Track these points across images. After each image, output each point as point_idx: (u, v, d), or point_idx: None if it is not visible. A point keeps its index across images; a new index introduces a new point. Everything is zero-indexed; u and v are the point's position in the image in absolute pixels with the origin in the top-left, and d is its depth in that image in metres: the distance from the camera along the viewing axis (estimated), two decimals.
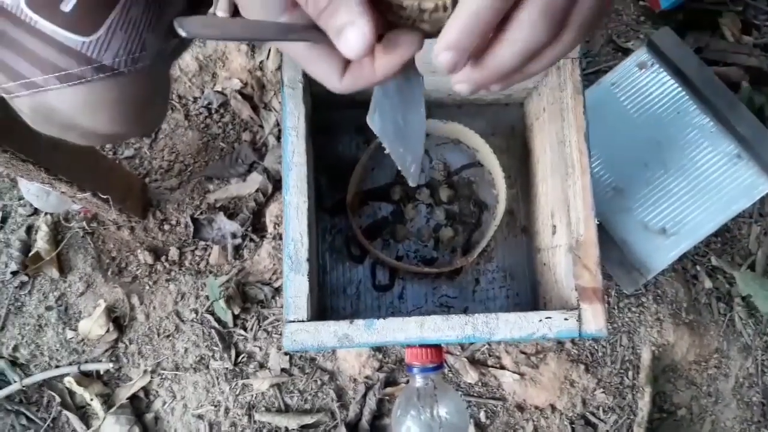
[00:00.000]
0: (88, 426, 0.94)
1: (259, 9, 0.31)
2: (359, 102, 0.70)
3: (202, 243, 0.97)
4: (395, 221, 0.71)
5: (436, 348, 0.63)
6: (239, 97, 1.00)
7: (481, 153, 0.71)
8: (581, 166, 0.58)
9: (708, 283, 0.99)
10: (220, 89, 1.01)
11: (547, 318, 0.55)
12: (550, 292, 0.64)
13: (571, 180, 0.58)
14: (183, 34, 0.25)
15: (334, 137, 0.71)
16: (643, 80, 0.95)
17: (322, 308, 0.67)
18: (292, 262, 0.55)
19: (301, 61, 0.33)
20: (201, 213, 0.98)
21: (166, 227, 0.98)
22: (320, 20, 0.29)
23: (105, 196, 0.82)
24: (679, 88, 0.94)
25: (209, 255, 0.96)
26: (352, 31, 0.28)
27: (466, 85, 0.31)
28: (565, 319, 0.55)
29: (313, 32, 0.30)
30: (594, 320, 0.56)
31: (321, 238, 0.69)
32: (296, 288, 0.55)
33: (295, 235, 0.56)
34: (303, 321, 0.54)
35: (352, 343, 0.54)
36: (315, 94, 0.66)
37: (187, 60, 1.02)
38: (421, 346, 0.63)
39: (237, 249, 0.96)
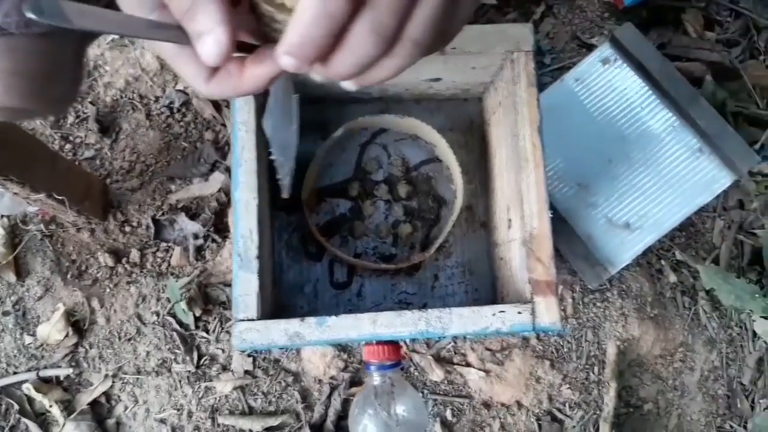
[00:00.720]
0: None
1: (132, 4, 0.30)
2: (316, 98, 0.69)
3: (163, 244, 0.95)
4: (353, 218, 0.70)
5: (394, 345, 0.63)
6: (201, 95, 0.99)
7: (438, 148, 0.70)
8: (534, 160, 0.58)
9: (672, 278, 0.99)
10: (181, 88, 1.00)
11: (500, 312, 0.55)
12: (507, 287, 0.63)
13: (525, 173, 0.58)
14: (32, 17, 0.24)
15: None
16: (607, 76, 0.96)
17: (279, 307, 0.66)
18: (242, 260, 0.54)
19: (169, 60, 0.32)
20: (162, 214, 0.96)
21: (127, 229, 0.96)
22: (183, 22, 0.29)
23: (60, 197, 0.80)
24: (642, 84, 0.94)
25: (171, 256, 0.94)
26: (209, 39, 0.28)
27: (317, 76, 0.32)
28: (519, 312, 0.55)
29: (181, 33, 0.29)
30: (548, 313, 0.55)
31: (278, 236, 0.68)
32: (245, 286, 0.54)
33: (244, 232, 0.55)
34: (253, 320, 0.53)
35: (303, 341, 0.53)
36: None
37: (148, 59, 1.00)
38: (378, 343, 0.62)
39: (199, 250, 0.94)
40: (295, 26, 0.27)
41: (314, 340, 0.53)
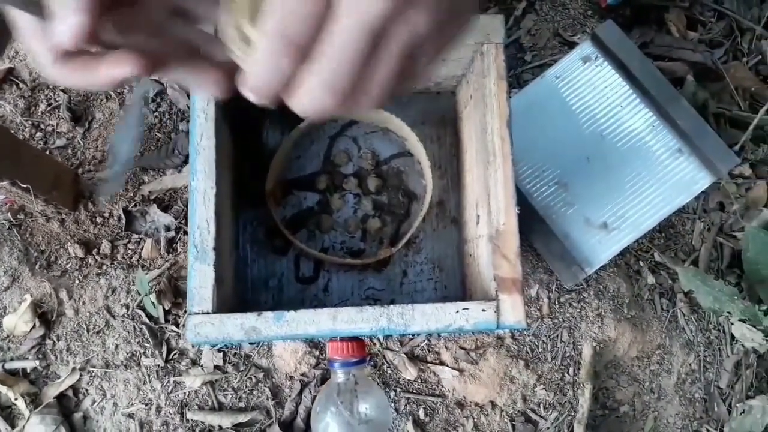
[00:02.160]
0: (12, 426, 0.90)
1: None
2: None
3: (134, 236, 0.93)
4: (321, 211, 0.68)
5: (359, 342, 0.61)
6: (176, 86, 0.97)
7: (409, 142, 0.69)
8: (503, 154, 0.57)
9: (651, 279, 0.98)
10: (156, 78, 0.98)
11: (464, 309, 0.54)
12: (474, 284, 0.62)
13: (492, 168, 0.57)
14: None
15: (259, 124, 0.69)
16: (587, 74, 0.94)
17: (242, 301, 0.65)
18: (198, 251, 0.53)
19: (23, 32, 0.31)
20: (135, 205, 0.94)
21: (99, 219, 0.94)
22: None
23: (25, 186, 0.78)
24: (623, 82, 0.93)
25: (142, 248, 0.93)
26: (66, 23, 0.27)
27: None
28: (483, 310, 0.54)
29: (41, 6, 0.28)
30: (513, 311, 0.54)
31: (242, 229, 0.67)
32: (201, 278, 0.52)
33: (201, 223, 0.53)
34: (208, 313, 0.52)
35: (260, 336, 0.52)
36: None
37: None
38: (342, 339, 0.60)
39: (170, 242, 0.93)
40: (253, 70, 0.28)
41: (271, 336, 0.52)
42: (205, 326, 0.51)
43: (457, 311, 0.54)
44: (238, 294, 0.64)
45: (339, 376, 0.61)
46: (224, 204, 0.57)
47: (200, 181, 0.53)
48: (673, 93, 0.91)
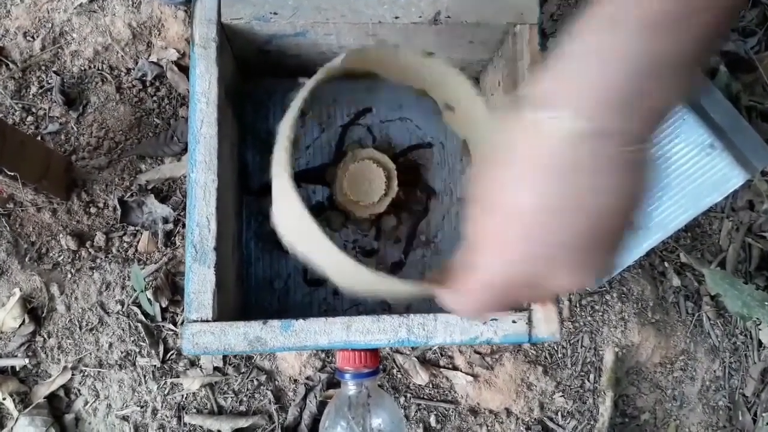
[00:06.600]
0: (0, 427, 0.85)
1: None
2: (292, 70, 0.62)
3: (130, 228, 0.88)
4: (331, 207, 0.63)
5: (372, 351, 0.56)
6: (176, 68, 0.91)
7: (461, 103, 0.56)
8: None
9: (676, 281, 0.93)
10: (155, 60, 0.92)
11: (492, 320, 0.48)
12: None
13: None
14: None
15: (265, 110, 0.63)
16: None
17: (244, 304, 0.60)
18: (196, 252, 0.47)
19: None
20: (131, 195, 0.89)
21: (93, 210, 0.89)
22: None
23: (11, 173, 0.73)
24: None
25: (138, 241, 0.87)
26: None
27: None
28: (513, 321, 0.48)
29: None
30: (546, 323, 0.49)
31: (246, 224, 0.61)
32: (200, 282, 0.47)
33: (201, 220, 0.48)
34: (207, 321, 0.46)
35: (265, 347, 0.47)
36: (241, 59, 0.58)
37: (119, 27, 0.92)
38: (354, 349, 0.55)
39: (168, 235, 0.87)
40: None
41: (278, 347, 0.47)
42: (204, 335, 0.46)
43: (485, 322, 0.48)
44: (240, 296, 0.59)
45: (350, 388, 0.56)
46: (226, 197, 0.52)
47: (200, 172, 0.48)
48: (706, 84, 0.85)
